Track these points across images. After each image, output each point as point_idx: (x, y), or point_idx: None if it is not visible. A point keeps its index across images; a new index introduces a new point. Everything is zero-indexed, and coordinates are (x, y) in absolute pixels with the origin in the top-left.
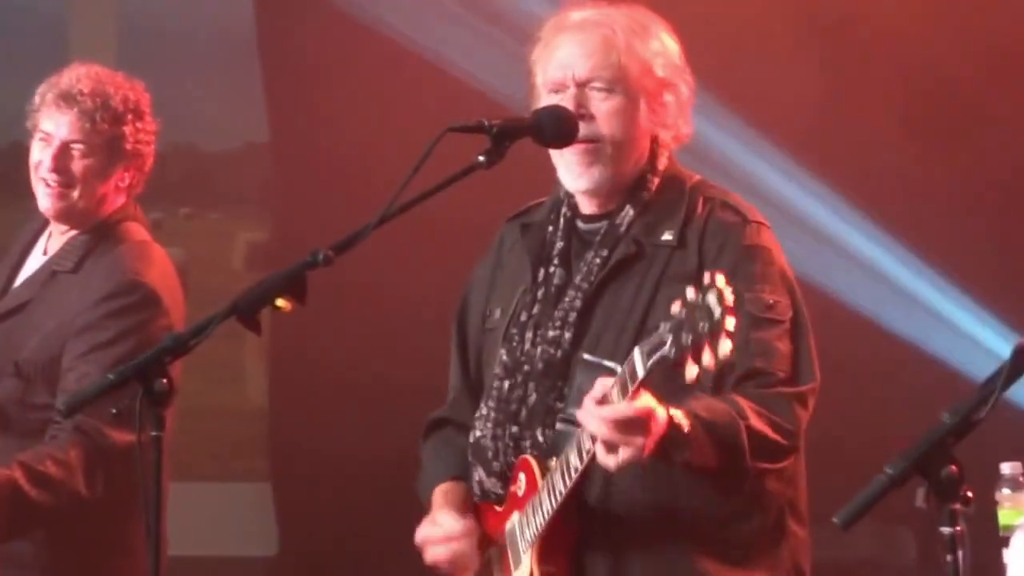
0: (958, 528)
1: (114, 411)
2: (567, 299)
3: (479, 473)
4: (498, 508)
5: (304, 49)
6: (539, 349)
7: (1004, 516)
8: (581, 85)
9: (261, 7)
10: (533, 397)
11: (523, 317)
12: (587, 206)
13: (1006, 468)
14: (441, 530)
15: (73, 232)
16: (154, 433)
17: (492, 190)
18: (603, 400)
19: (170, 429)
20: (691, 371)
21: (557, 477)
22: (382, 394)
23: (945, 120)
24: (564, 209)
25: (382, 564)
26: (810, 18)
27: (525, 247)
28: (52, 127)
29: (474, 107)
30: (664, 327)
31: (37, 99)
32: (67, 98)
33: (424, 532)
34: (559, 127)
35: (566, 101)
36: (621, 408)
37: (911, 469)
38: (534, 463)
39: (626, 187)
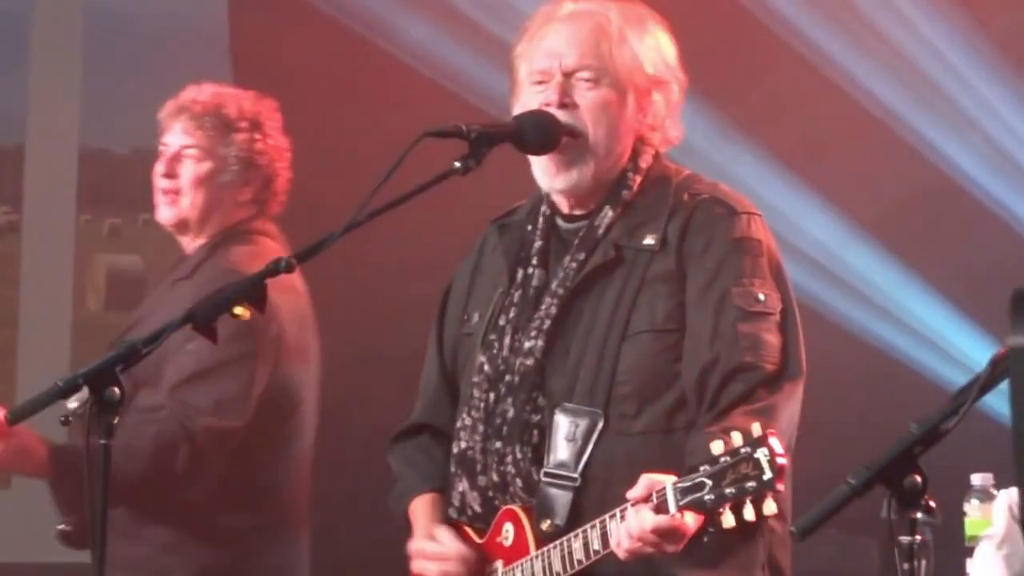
0: (918, 537)
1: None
2: (544, 305)
3: (463, 485)
4: (475, 536)
5: (277, 49)
6: (517, 360)
7: (971, 526)
8: (567, 74)
9: (234, 5)
10: (511, 411)
11: (501, 321)
12: (566, 205)
13: (976, 479)
14: (439, 548)
15: (197, 243)
16: (103, 441)
17: (483, 204)
18: (639, 525)
19: None
20: (728, 520)
21: (556, 558)
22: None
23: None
24: (544, 207)
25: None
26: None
27: (502, 248)
28: (167, 138)
29: (453, 110)
30: (704, 471)
31: (159, 118)
32: (181, 108)
33: (420, 545)
34: (542, 134)
35: (550, 90)
36: (661, 521)
37: (874, 479)
38: (524, 518)
39: (606, 186)
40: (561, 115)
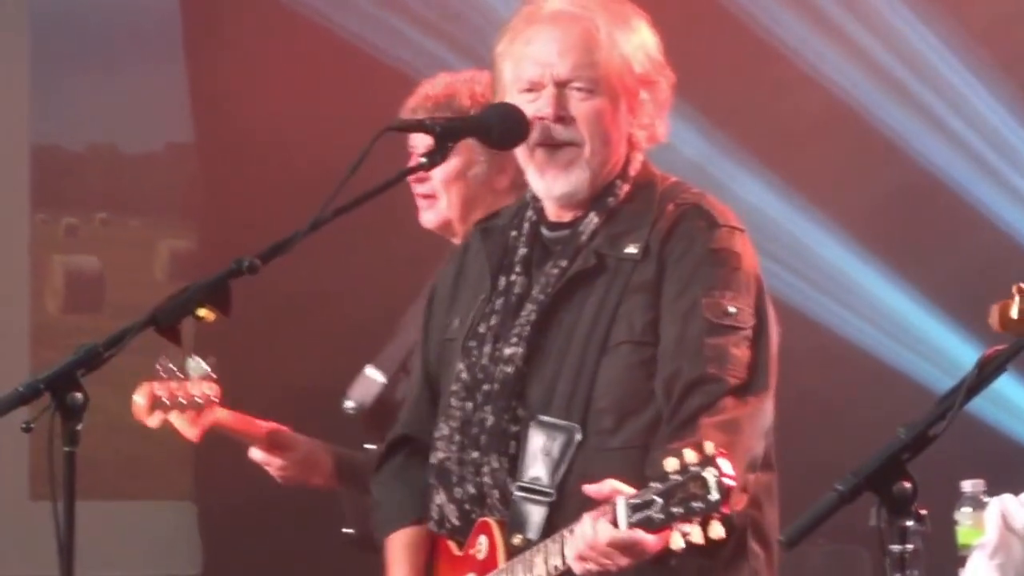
0: (909, 546)
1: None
2: (524, 312)
3: (440, 498)
4: (453, 550)
5: (232, 43)
6: (496, 368)
7: (963, 535)
8: (561, 85)
9: None
10: (490, 420)
11: (482, 328)
12: (554, 212)
13: (967, 486)
14: None
15: None
16: (67, 449)
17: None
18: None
19: None
20: (677, 541)
21: (520, 573)
22: (313, 411)
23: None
24: (530, 213)
25: None
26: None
27: (485, 253)
28: (413, 140)
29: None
30: (655, 487)
31: None
32: (415, 107)
33: None
34: (508, 128)
35: (543, 102)
36: (618, 534)
37: (862, 485)
38: (496, 531)
39: (594, 193)
40: (557, 129)
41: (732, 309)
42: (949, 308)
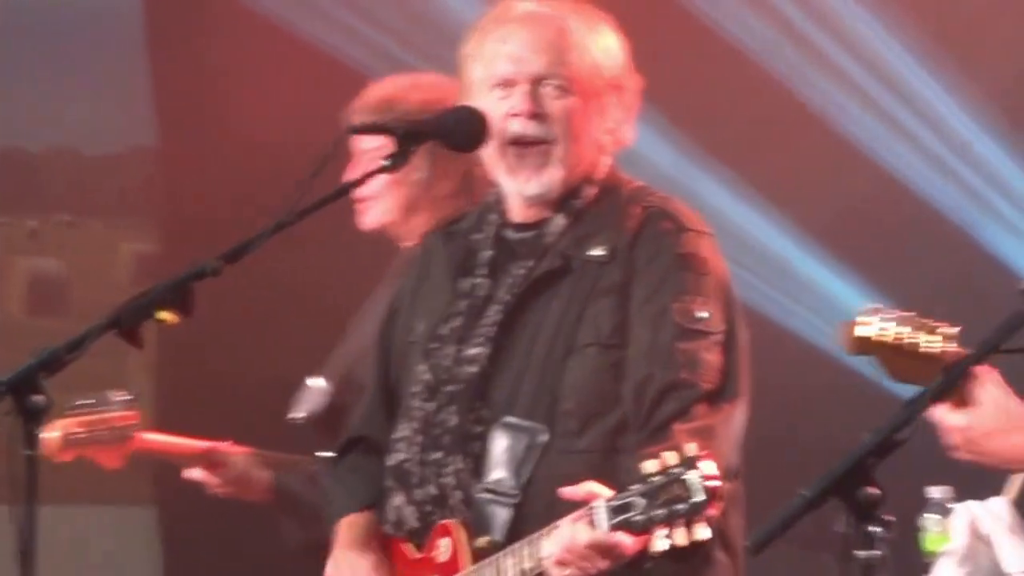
0: (875, 552)
1: None
2: (490, 313)
3: (399, 499)
4: (411, 553)
5: (196, 43)
6: (460, 369)
7: (929, 541)
8: (535, 82)
9: None
10: (454, 420)
11: (444, 330)
12: (520, 214)
13: (934, 492)
14: (342, 573)
15: (406, 245)
16: (28, 452)
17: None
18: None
19: None
20: (661, 544)
21: (488, 574)
22: (277, 414)
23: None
24: (493, 215)
25: None
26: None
27: (448, 256)
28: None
29: None
30: (635, 489)
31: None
32: (358, 108)
33: (329, 570)
34: (468, 130)
35: (517, 99)
36: (598, 536)
37: (828, 491)
38: (459, 533)
39: (564, 194)
40: (530, 125)
41: (702, 314)
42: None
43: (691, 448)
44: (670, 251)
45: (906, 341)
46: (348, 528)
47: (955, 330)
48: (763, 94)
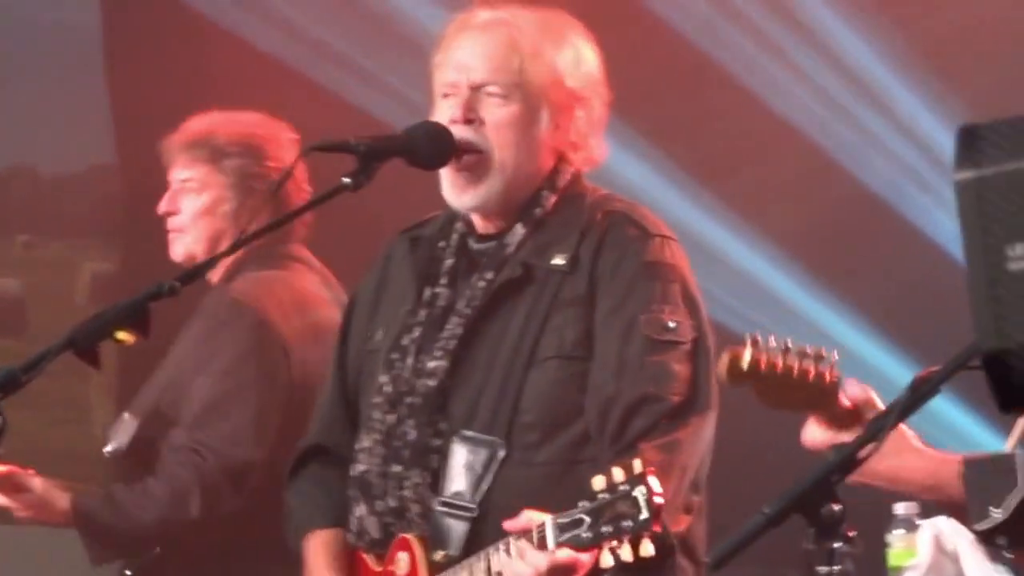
0: (837, 567)
1: None
2: (450, 325)
3: (361, 510)
4: (372, 564)
5: (155, 60)
6: (419, 381)
7: (895, 557)
8: (475, 88)
9: (108, 10)
10: (413, 434)
11: (405, 341)
12: (480, 224)
13: (900, 508)
14: None
15: (216, 275)
16: None
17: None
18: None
19: None
20: (607, 559)
21: None
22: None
23: None
24: (459, 224)
25: None
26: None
27: (411, 263)
28: (171, 173)
29: (352, 126)
30: (583, 507)
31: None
32: (175, 141)
33: None
34: (433, 147)
35: (454, 105)
36: (560, 557)
37: (789, 508)
38: (417, 547)
39: (520, 205)
40: (464, 131)
41: (671, 324)
42: (888, 329)
43: (638, 464)
44: (636, 258)
45: (780, 370)
46: (321, 548)
47: (832, 354)
48: (737, 107)
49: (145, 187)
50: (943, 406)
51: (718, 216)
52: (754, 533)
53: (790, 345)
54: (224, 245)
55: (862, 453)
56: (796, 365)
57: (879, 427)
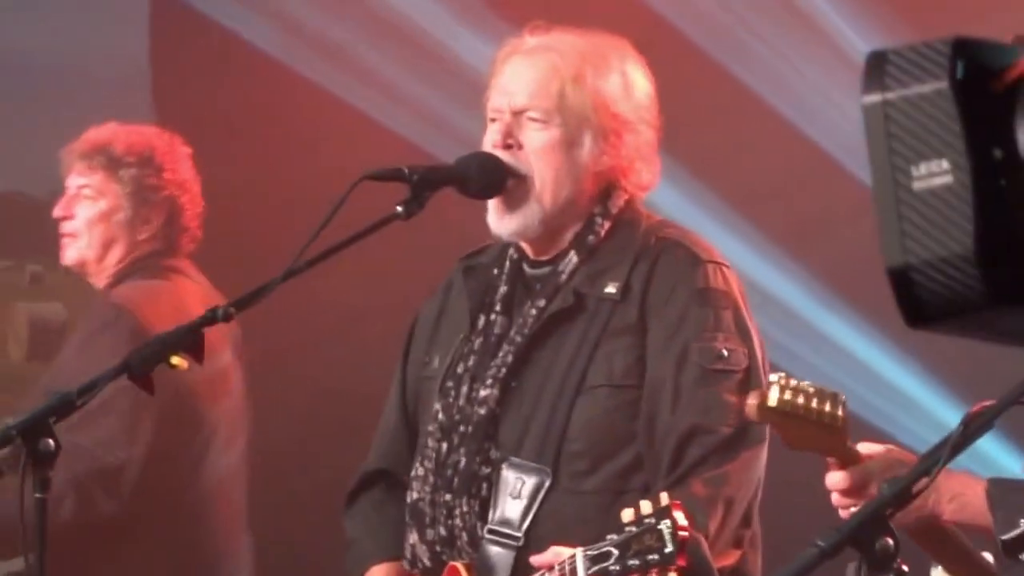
0: None
1: None
2: (501, 353)
3: (413, 537)
4: None
5: (202, 86)
6: (471, 409)
7: None
8: (516, 114)
9: (156, 40)
10: (463, 462)
11: (460, 369)
12: (531, 250)
13: None
14: None
15: (102, 283)
16: (37, 495)
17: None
18: None
19: None
20: None
21: None
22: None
23: None
24: (512, 251)
25: None
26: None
27: (466, 291)
28: (68, 179)
29: (398, 156)
30: (611, 539)
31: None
32: (74, 148)
33: None
34: (485, 177)
35: (496, 130)
36: None
37: (844, 541)
38: (464, 575)
39: (572, 231)
40: (504, 156)
41: (724, 352)
42: (929, 364)
43: (664, 497)
44: (688, 286)
45: (802, 411)
46: None
47: (843, 397)
48: (775, 135)
49: None
50: (991, 443)
51: (754, 244)
52: (808, 567)
53: (810, 385)
54: (116, 253)
55: (916, 488)
56: (814, 405)
57: (931, 463)
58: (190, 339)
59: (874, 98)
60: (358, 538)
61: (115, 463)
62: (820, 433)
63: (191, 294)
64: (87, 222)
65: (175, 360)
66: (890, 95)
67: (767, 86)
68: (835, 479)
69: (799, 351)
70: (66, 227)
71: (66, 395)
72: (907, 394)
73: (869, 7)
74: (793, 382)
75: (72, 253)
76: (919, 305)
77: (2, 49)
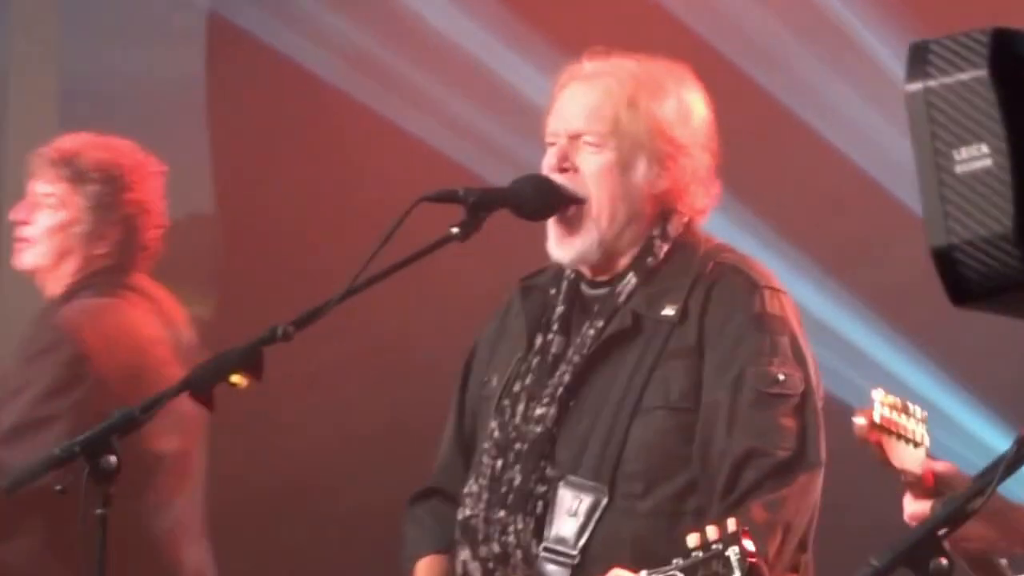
0: None
1: (59, 488)
2: (559, 372)
3: (465, 554)
4: None
5: (257, 111)
6: (527, 428)
7: None
8: (573, 138)
9: (212, 64)
10: (518, 479)
11: (516, 387)
12: (588, 271)
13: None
14: None
15: (54, 293)
16: (99, 511)
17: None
18: None
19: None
20: None
21: None
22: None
23: None
24: (569, 271)
25: None
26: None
27: (524, 311)
28: (33, 184)
29: (448, 180)
30: (677, 563)
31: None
32: (43, 155)
33: None
34: (539, 199)
35: (552, 154)
36: None
37: (898, 560)
38: None
39: (630, 253)
40: (560, 179)
41: (781, 376)
42: (976, 389)
43: (731, 524)
44: (745, 310)
45: (901, 428)
46: (428, 570)
47: (924, 413)
48: (819, 160)
49: (242, 236)
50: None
51: (801, 270)
52: None
53: (901, 400)
54: (70, 264)
55: (970, 507)
56: (907, 422)
57: (985, 482)
58: (250, 357)
59: (917, 86)
60: (408, 537)
61: (39, 485)
62: (912, 450)
63: (142, 313)
64: (46, 230)
65: (235, 378)
66: (932, 83)
67: (813, 111)
68: (918, 510)
69: (844, 372)
70: (24, 231)
71: (128, 411)
72: (949, 414)
73: (913, 33)
74: (891, 398)
75: (27, 258)
76: (962, 283)
77: (68, 79)
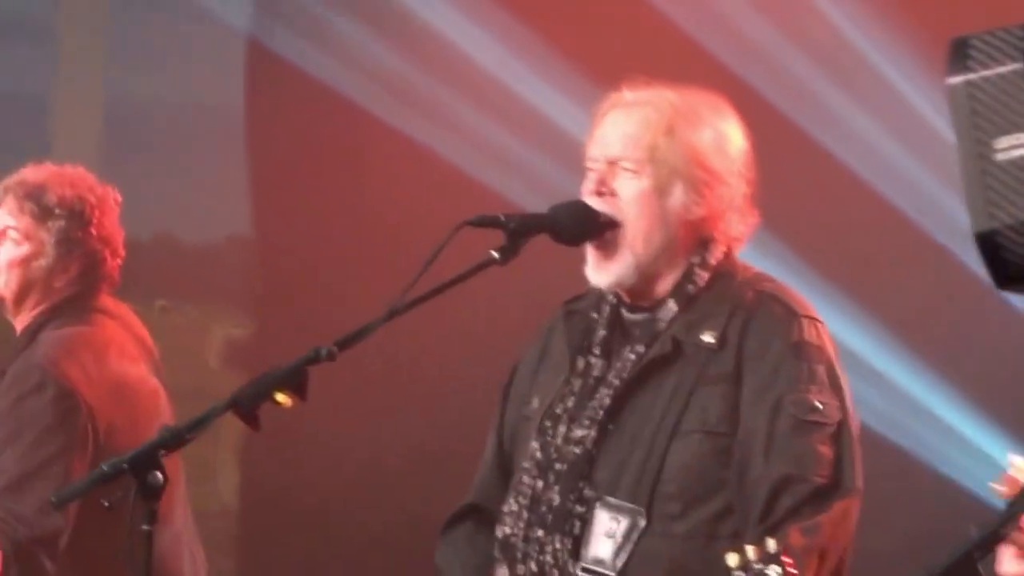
0: None
1: (106, 503)
2: (599, 395)
3: (503, 572)
4: None
5: (295, 137)
6: (567, 448)
7: None
8: (611, 163)
9: (251, 90)
10: (556, 499)
11: (558, 409)
12: (628, 297)
13: None
14: None
15: (23, 322)
16: (145, 527)
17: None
18: None
19: None
20: None
21: None
22: (354, 496)
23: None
24: (610, 295)
25: None
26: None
27: (566, 334)
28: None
29: (478, 204)
30: None
31: None
32: (8, 187)
33: None
34: (578, 225)
35: (591, 179)
36: None
37: None
38: None
39: (670, 279)
40: (597, 204)
41: (818, 404)
42: (997, 415)
43: (771, 544)
44: (783, 339)
45: None
46: None
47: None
48: (846, 192)
49: (279, 258)
50: None
51: (828, 298)
52: None
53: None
54: (32, 297)
55: (1003, 532)
56: None
57: (1017, 508)
58: (295, 377)
59: (958, 79)
60: (445, 567)
61: (52, 529)
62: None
63: (114, 335)
64: (8, 262)
65: (280, 397)
66: (973, 76)
67: (841, 144)
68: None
69: (867, 397)
70: None
71: (175, 429)
72: (969, 438)
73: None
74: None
75: None
76: (1005, 266)
77: (112, 100)
